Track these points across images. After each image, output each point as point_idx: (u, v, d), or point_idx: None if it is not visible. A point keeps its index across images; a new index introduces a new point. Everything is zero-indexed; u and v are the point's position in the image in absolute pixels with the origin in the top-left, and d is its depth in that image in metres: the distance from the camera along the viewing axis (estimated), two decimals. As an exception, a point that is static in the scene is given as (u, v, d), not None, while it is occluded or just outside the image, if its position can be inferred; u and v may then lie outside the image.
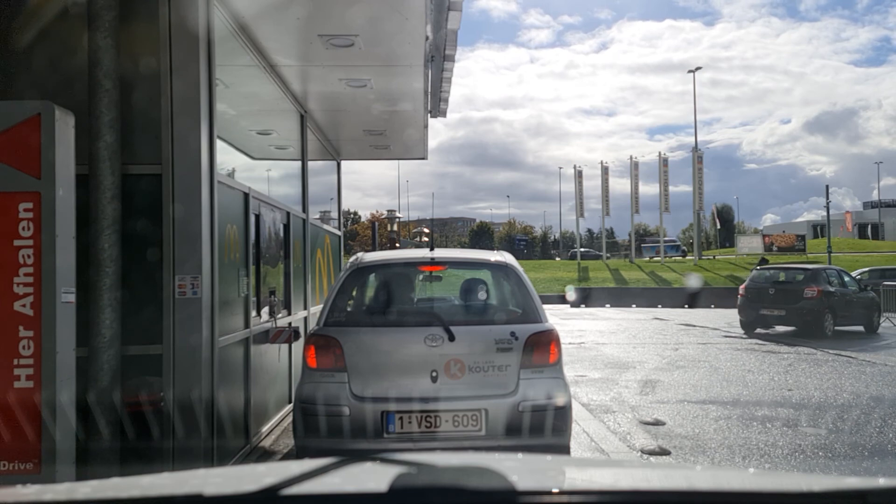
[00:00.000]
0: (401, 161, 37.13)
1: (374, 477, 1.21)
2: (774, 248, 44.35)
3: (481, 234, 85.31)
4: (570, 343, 13.86)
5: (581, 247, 59.88)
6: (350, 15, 5.42)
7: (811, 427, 6.74)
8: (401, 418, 4.35)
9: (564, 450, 4.58)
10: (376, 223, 30.96)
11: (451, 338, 4.48)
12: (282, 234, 7.13)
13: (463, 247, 72.74)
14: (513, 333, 4.56)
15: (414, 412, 4.36)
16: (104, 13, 4.19)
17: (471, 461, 1.35)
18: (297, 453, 4.73)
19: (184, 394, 4.39)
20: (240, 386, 5.59)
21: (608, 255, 55.98)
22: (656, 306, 28.21)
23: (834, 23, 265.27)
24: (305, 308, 8.12)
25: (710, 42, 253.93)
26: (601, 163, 54.79)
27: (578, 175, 56.96)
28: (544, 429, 4.38)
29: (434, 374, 4.46)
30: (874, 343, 14.53)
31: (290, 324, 7.01)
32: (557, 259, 63.91)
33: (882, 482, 1.22)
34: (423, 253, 5.41)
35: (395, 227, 25.92)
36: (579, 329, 17.74)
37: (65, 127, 3.60)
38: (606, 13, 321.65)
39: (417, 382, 4.43)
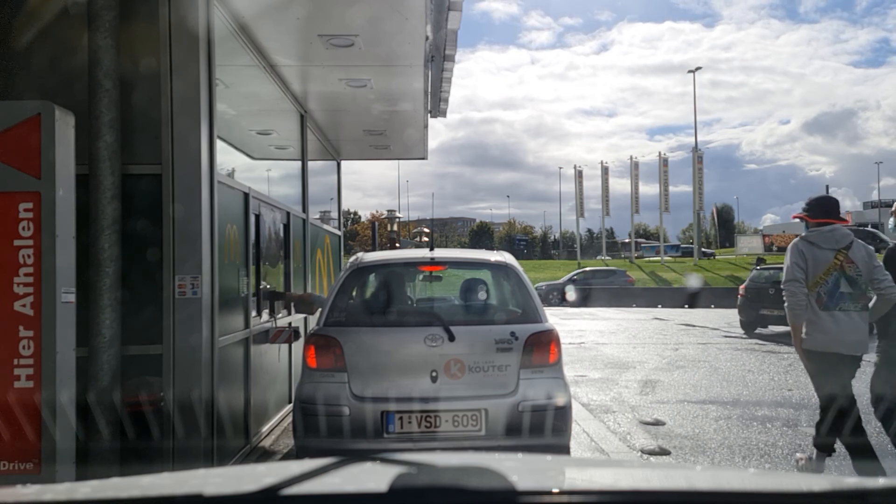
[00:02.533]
0: (401, 161, 37.14)
1: (374, 477, 1.21)
2: (774, 248, 44.34)
3: (481, 234, 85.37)
4: (570, 343, 13.85)
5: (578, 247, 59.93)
6: (350, 15, 5.42)
7: (811, 427, 6.73)
8: (401, 418, 4.35)
9: (564, 450, 4.58)
10: (376, 223, 30.96)
11: (451, 338, 4.48)
12: (282, 234, 7.13)
13: (463, 247, 72.77)
14: (513, 333, 4.56)
15: (414, 412, 4.36)
16: (104, 13, 4.19)
17: (471, 461, 1.35)
18: (297, 453, 4.73)
19: (184, 394, 4.39)
20: (240, 386, 5.59)
21: (608, 255, 55.97)
22: (656, 306, 28.21)
23: (833, 24, 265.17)
24: (305, 308, 8.11)
25: (710, 44, 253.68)
26: (601, 163, 54.93)
27: (578, 175, 57.04)
28: (544, 429, 4.37)
29: (434, 374, 4.46)
30: (874, 343, 14.48)
31: (290, 324, 7.01)
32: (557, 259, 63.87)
33: (882, 482, 1.22)
34: (423, 253, 5.41)
35: (395, 227, 25.92)
36: (579, 329, 17.74)
37: (65, 127, 3.60)
38: (607, 15, 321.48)
39: (417, 382, 4.43)
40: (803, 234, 4.83)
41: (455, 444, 4.33)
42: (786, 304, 4.76)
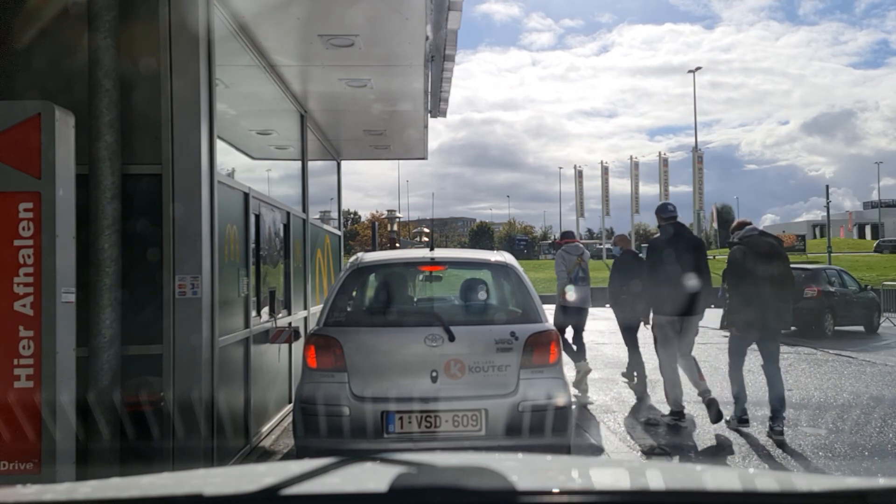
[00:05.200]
0: (401, 161, 37.14)
1: (374, 477, 1.21)
2: (774, 248, 44.17)
3: (481, 234, 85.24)
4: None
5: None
6: (350, 15, 5.42)
7: (811, 427, 6.73)
8: (401, 418, 4.35)
9: (565, 450, 4.57)
10: (376, 223, 30.95)
11: (451, 338, 4.47)
12: (282, 234, 7.13)
13: (463, 247, 72.68)
14: (513, 333, 4.56)
15: (414, 412, 4.35)
16: (104, 13, 4.19)
17: (471, 461, 1.35)
18: (297, 453, 4.73)
19: (184, 394, 4.38)
20: (240, 386, 5.59)
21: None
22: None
23: (832, 26, 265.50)
24: (305, 308, 8.12)
25: (710, 45, 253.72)
26: (601, 163, 54.88)
27: (579, 175, 57.02)
28: (544, 429, 4.37)
29: (434, 373, 4.45)
30: (874, 343, 14.51)
31: (290, 324, 7.01)
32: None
33: (882, 482, 1.22)
34: (423, 253, 5.41)
35: (395, 227, 25.93)
36: (579, 329, 17.66)
37: (65, 127, 3.60)
38: (607, 17, 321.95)
39: (417, 382, 4.43)
40: (562, 248, 9.13)
41: (455, 443, 4.32)
42: (557, 284, 8.86)
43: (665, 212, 7.15)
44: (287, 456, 5.77)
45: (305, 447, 4.47)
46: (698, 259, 6.93)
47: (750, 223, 6.89)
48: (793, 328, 15.58)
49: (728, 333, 7.00)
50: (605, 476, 1.61)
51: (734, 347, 6.78)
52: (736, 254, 6.57)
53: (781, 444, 5.99)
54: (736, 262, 6.53)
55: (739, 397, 6.63)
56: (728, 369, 6.83)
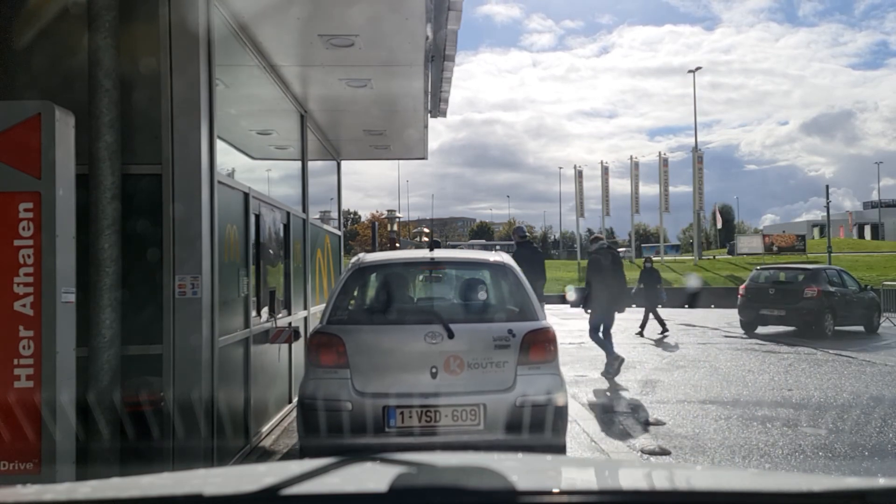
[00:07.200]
0: (401, 161, 37.12)
1: (374, 477, 1.21)
2: (775, 248, 44.25)
3: (481, 234, 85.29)
4: (570, 343, 13.83)
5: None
6: (350, 15, 5.43)
7: (811, 427, 6.74)
8: (401, 413, 4.39)
9: (561, 445, 4.63)
10: (376, 223, 30.94)
11: (451, 335, 4.51)
12: (282, 234, 7.13)
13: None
14: (510, 331, 4.59)
15: (414, 407, 4.40)
16: (104, 13, 4.18)
17: (471, 461, 1.35)
18: (300, 448, 4.77)
19: (184, 394, 4.39)
20: (240, 386, 5.59)
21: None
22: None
23: (832, 27, 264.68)
24: (305, 308, 8.12)
25: (710, 46, 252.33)
26: (601, 163, 54.83)
27: (579, 175, 57.00)
28: (541, 424, 4.43)
29: (434, 370, 4.48)
30: (874, 343, 14.51)
31: (290, 324, 7.01)
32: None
33: (882, 482, 1.22)
34: (423, 253, 5.43)
35: (395, 227, 25.94)
36: (579, 329, 17.68)
37: (65, 127, 3.60)
38: (608, 18, 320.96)
39: (418, 378, 4.47)
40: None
41: (454, 438, 4.36)
42: None
43: (520, 232, 10.39)
44: (287, 456, 5.77)
45: (309, 442, 4.51)
46: (538, 266, 9.62)
47: (602, 238, 10.50)
48: (793, 328, 15.64)
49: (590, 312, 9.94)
50: (605, 476, 1.61)
51: (593, 324, 9.89)
52: (593, 261, 9.92)
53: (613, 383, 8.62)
54: (593, 266, 9.86)
55: (608, 353, 9.75)
56: (590, 336, 10.04)
